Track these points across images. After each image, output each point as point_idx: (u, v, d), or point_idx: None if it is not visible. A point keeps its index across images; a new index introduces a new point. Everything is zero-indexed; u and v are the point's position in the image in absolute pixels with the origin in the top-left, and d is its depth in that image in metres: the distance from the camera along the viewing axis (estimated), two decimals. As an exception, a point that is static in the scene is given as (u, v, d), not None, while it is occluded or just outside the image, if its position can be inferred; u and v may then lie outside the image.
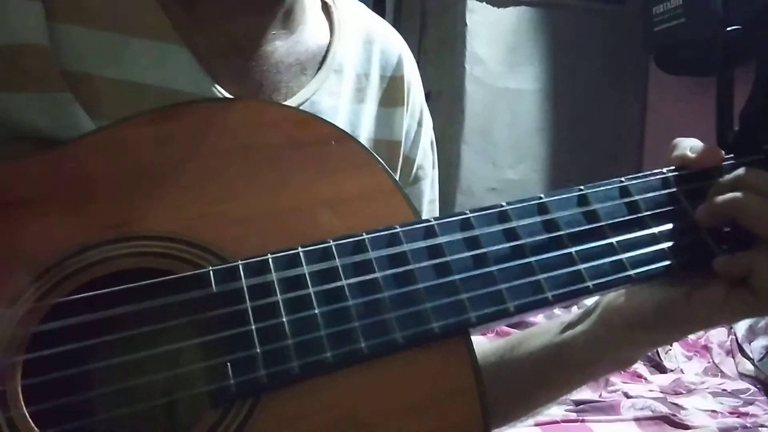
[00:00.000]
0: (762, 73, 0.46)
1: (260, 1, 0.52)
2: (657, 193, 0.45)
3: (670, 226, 0.44)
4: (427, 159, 0.65)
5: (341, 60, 0.57)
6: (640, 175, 0.46)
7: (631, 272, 0.41)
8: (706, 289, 0.42)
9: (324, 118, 0.52)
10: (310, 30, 0.56)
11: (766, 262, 0.41)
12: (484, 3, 2.25)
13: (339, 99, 0.55)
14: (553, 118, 2.37)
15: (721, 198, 0.43)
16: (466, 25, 2.23)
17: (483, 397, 0.36)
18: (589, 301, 0.50)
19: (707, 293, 0.42)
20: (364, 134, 0.57)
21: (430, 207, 0.66)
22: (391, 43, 0.62)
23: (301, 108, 0.52)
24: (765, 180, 0.43)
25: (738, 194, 0.43)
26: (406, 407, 0.36)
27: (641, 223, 0.43)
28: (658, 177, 0.46)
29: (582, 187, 0.44)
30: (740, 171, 0.44)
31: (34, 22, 0.44)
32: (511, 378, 0.54)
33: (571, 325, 0.52)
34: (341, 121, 0.55)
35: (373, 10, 0.65)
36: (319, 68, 0.55)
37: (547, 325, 0.56)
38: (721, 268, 0.42)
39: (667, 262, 0.42)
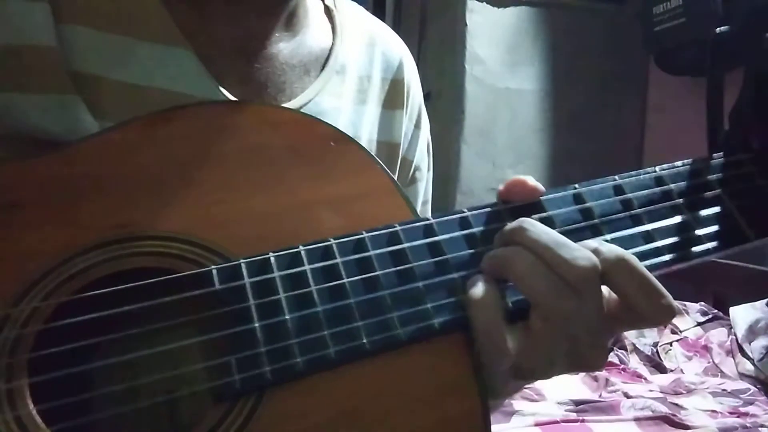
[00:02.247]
0: (751, 73, 0.47)
1: (265, 1, 0.52)
2: (651, 190, 0.45)
3: (662, 223, 0.44)
4: (423, 161, 0.66)
5: (343, 62, 0.57)
6: (633, 173, 0.46)
7: None
8: None
9: (326, 119, 0.52)
10: (313, 33, 0.57)
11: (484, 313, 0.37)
12: (484, 3, 2.25)
13: (341, 100, 0.56)
14: (553, 118, 2.37)
15: (494, 253, 0.39)
16: (466, 25, 2.23)
17: (483, 392, 0.37)
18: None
19: None
20: (366, 135, 0.58)
21: (423, 208, 0.67)
22: (392, 46, 0.63)
23: (304, 109, 0.52)
24: (541, 235, 0.38)
25: (509, 251, 0.38)
26: (407, 402, 0.36)
27: (636, 220, 0.44)
28: (651, 175, 0.46)
29: (577, 186, 0.45)
30: (518, 222, 0.39)
31: (42, 22, 0.44)
32: None
33: None
34: (344, 122, 0.55)
35: (373, 11, 0.65)
36: (322, 70, 0.56)
37: None
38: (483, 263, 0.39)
39: (667, 257, 0.43)
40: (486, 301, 0.37)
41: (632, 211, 0.44)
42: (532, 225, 0.38)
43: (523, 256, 0.37)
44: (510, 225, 0.39)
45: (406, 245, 0.40)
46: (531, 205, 0.43)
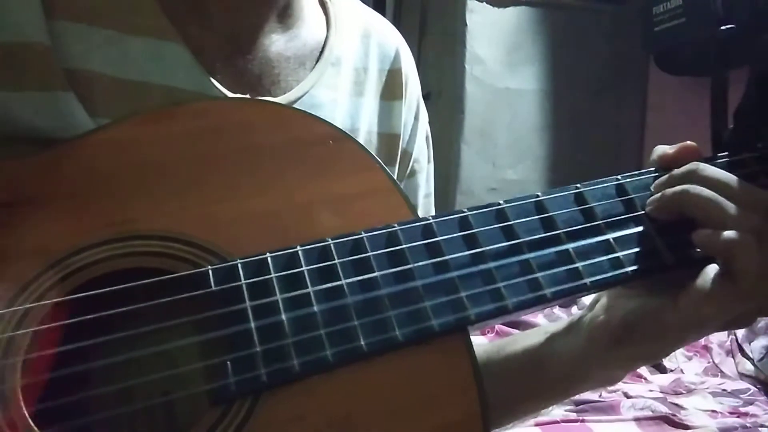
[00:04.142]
0: (755, 72, 0.47)
1: None
2: (650, 191, 0.45)
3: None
4: (422, 152, 0.65)
5: (338, 54, 0.57)
6: (636, 173, 0.46)
7: (628, 269, 0.41)
8: (689, 287, 0.40)
9: (322, 111, 0.52)
10: (308, 26, 0.56)
11: (747, 248, 0.39)
12: (484, 3, 2.25)
13: (337, 92, 0.56)
14: (553, 118, 2.37)
15: (670, 191, 0.43)
16: (466, 25, 2.23)
17: (482, 395, 0.36)
18: (587, 300, 0.50)
19: (690, 289, 0.40)
20: (365, 127, 0.57)
21: (425, 201, 0.66)
22: (388, 36, 0.62)
23: (300, 101, 0.52)
24: (718, 174, 0.42)
25: (687, 187, 0.42)
26: (405, 405, 0.36)
27: (636, 221, 0.44)
28: (652, 175, 0.46)
29: (578, 185, 0.44)
30: (693, 164, 0.43)
31: (34, 19, 0.44)
32: (496, 379, 0.51)
33: (555, 337, 0.51)
34: (341, 114, 0.55)
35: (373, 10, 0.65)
36: (317, 62, 0.55)
37: (534, 331, 0.55)
38: (698, 239, 0.41)
39: (671, 260, 0.42)
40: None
41: (635, 213, 0.44)
42: (706, 166, 0.42)
43: (706, 193, 0.41)
44: (686, 166, 0.43)
45: (404, 246, 0.40)
46: (534, 204, 0.43)
